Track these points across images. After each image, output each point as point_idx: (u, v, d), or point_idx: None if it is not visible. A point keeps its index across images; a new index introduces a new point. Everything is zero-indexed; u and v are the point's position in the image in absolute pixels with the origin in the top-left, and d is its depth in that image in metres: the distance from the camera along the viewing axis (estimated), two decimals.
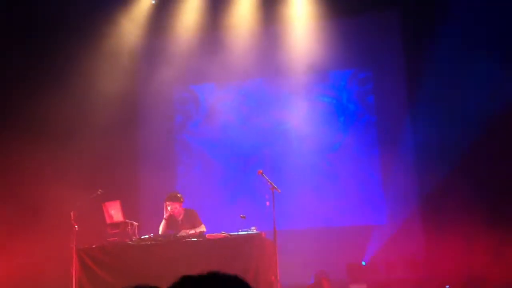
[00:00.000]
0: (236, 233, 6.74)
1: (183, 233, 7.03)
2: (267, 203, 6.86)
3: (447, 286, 8.15)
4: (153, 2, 9.74)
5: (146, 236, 7.04)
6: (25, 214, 8.89)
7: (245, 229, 6.75)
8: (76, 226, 6.98)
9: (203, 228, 7.24)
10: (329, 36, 9.44)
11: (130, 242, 6.93)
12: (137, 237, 7.04)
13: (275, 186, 6.89)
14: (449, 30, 8.74)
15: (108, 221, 7.14)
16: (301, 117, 9.66)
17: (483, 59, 8.43)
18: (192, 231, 7.05)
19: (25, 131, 9.17)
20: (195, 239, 6.80)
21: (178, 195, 7.46)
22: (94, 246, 7.03)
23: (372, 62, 9.74)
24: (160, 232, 7.33)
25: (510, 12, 8.43)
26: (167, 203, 7.35)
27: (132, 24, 9.83)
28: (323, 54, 9.40)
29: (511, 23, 8.42)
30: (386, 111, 9.51)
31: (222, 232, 6.76)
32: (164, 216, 7.38)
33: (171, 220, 7.39)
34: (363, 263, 8.90)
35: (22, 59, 9.27)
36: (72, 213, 7.03)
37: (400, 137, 9.27)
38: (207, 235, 6.81)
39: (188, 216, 7.39)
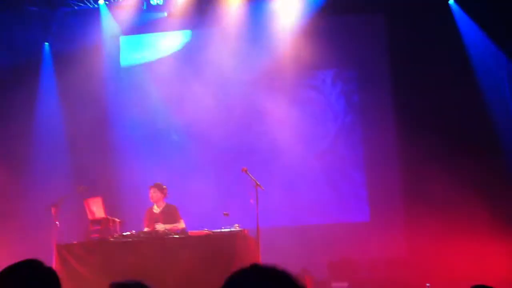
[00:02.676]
0: (218, 230, 6.72)
1: (160, 226, 7.01)
2: (251, 200, 6.86)
3: (428, 285, 8.22)
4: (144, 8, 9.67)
5: (128, 233, 6.99)
6: (5, 210, 8.79)
7: (228, 226, 6.73)
8: (57, 222, 6.92)
9: (182, 224, 7.23)
10: (315, 36, 9.46)
11: (111, 239, 6.87)
12: (119, 233, 6.99)
13: (259, 184, 6.90)
14: (433, 30, 8.83)
15: (89, 217, 7.08)
16: (286, 116, 9.66)
17: (466, 57, 8.55)
18: (169, 226, 7.05)
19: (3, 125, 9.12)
20: (177, 236, 6.77)
21: (164, 187, 7.48)
22: (75, 242, 6.96)
23: (357, 62, 9.79)
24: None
25: (489, 12, 8.55)
26: (151, 188, 7.37)
27: (111, 23, 9.79)
28: (309, 53, 9.41)
29: (490, 22, 8.52)
30: (371, 110, 9.56)
31: (205, 229, 6.74)
32: (145, 226, 7.37)
33: (152, 220, 7.36)
34: None
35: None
36: (53, 209, 6.97)
37: (384, 136, 9.32)
38: (189, 232, 6.78)
39: (168, 211, 7.38)
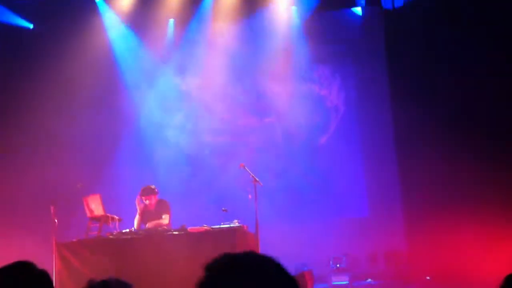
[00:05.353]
0: (218, 226, 6.73)
1: (148, 225, 7.01)
2: (249, 196, 6.86)
3: (428, 278, 8.24)
4: None
5: (127, 230, 6.99)
6: (4, 209, 8.78)
7: (227, 222, 6.74)
8: (56, 220, 6.91)
9: (166, 220, 7.18)
10: (313, 30, 9.45)
11: (110, 236, 6.87)
12: (118, 231, 6.98)
13: (257, 179, 6.90)
14: (428, 25, 8.82)
15: (88, 215, 7.08)
16: (284, 111, 9.66)
17: (462, 49, 8.54)
18: (153, 222, 7.11)
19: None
20: (177, 233, 6.77)
21: (152, 187, 7.38)
22: (74, 240, 6.96)
23: (354, 57, 9.77)
24: (135, 227, 7.27)
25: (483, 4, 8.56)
26: (143, 198, 7.28)
27: (113, 18, 9.77)
28: (306, 48, 9.41)
29: (486, 13, 8.52)
30: (368, 105, 9.55)
31: (204, 225, 6.74)
32: (138, 211, 7.31)
33: (145, 213, 7.33)
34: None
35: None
36: (52, 207, 6.96)
37: (382, 131, 9.32)
38: (189, 229, 6.78)
39: (159, 206, 7.35)
